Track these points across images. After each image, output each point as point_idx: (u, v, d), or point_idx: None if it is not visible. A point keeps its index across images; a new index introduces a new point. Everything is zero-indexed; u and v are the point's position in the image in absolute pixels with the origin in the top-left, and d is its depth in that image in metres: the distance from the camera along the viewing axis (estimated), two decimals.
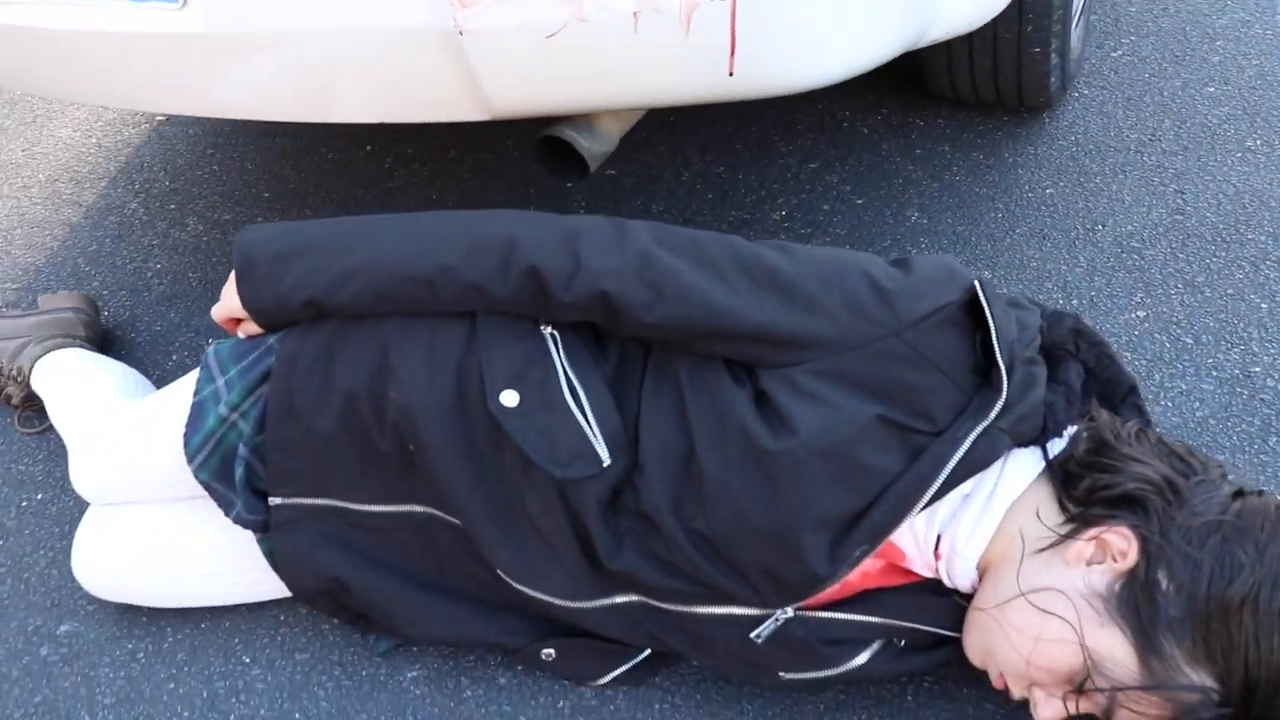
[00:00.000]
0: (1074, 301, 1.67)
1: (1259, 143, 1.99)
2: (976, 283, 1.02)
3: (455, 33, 1.22)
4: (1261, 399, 1.48)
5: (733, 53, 1.22)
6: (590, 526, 1.05)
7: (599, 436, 1.05)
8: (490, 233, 1.10)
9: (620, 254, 1.06)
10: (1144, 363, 1.55)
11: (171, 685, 1.26)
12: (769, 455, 0.98)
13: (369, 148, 2.29)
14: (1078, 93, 2.19)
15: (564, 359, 1.10)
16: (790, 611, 1.05)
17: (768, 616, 1.06)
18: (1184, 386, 1.51)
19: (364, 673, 1.25)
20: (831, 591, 1.06)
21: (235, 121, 2.46)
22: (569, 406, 1.07)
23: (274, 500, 1.19)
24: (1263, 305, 1.63)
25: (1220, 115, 2.08)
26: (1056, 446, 1.06)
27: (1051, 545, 1.00)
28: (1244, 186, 1.88)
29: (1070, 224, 1.84)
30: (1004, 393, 0.99)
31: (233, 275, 1.19)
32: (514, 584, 1.12)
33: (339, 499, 1.18)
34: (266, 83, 1.39)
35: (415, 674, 1.24)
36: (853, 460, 0.98)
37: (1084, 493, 1.01)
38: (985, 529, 1.03)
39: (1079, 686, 0.97)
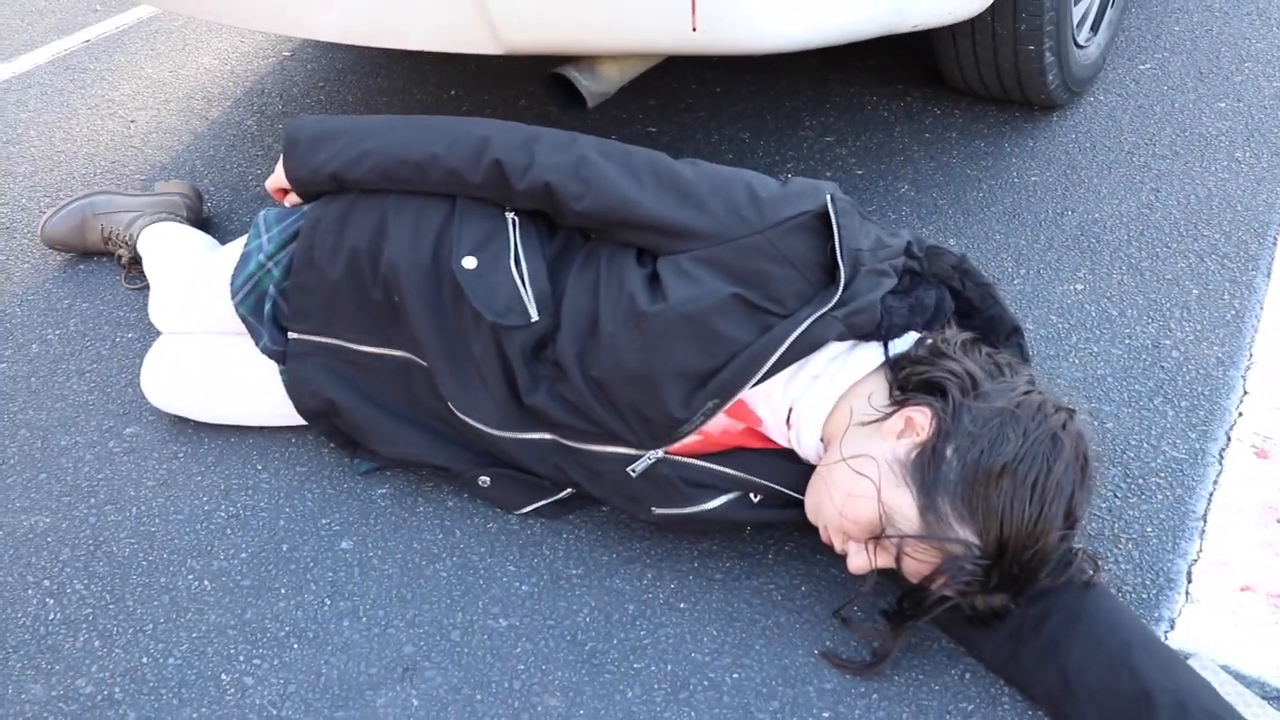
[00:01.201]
0: (1022, 270, 1.86)
1: (1247, 155, 2.12)
2: (829, 197, 1.25)
3: None
4: (1161, 366, 1.64)
5: (694, 10, 1.47)
6: (515, 368, 1.33)
7: (530, 297, 1.33)
8: (471, 132, 1.39)
9: (565, 155, 1.34)
10: (1067, 326, 1.73)
11: (199, 478, 1.58)
12: (645, 315, 1.23)
13: (452, 92, 2.61)
14: (1093, 98, 2.35)
15: (517, 238, 1.37)
16: (660, 453, 1.30)
17: (643, 456, 1.31)
18: (1095, 349, 1.68)
19: (345, 486, 1.55)
20: (698, 445, 1.31)
21: (347, 61, 2.82)
22: (511, 273, 1.34)
23: (292, 334, 1.49)
24: (1194, 291, 1.79)
25: (1220, 128, 2.21)
26: (900, 347, 1.28)
27: (873, 421, 1.22)
28: (1217, 191, 2.02)
29: (1043, 207, 2.01)
30: (840, 287, 1.21)
31: (281, 157, 1.51)
32: (458, 413, 1.40)
33: (339, 338, 1.48)
34: (338, 13, 1.71)
35: (384, 491, 1.54)
36: (709, 327, 1.22)
37: (904, 380, 1.23)
38: (824, 404, 1.26)
39: (877, 537, 1.19)
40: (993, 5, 1.95)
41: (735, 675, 1.26)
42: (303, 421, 1.57)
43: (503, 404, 1.36)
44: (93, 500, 1.55)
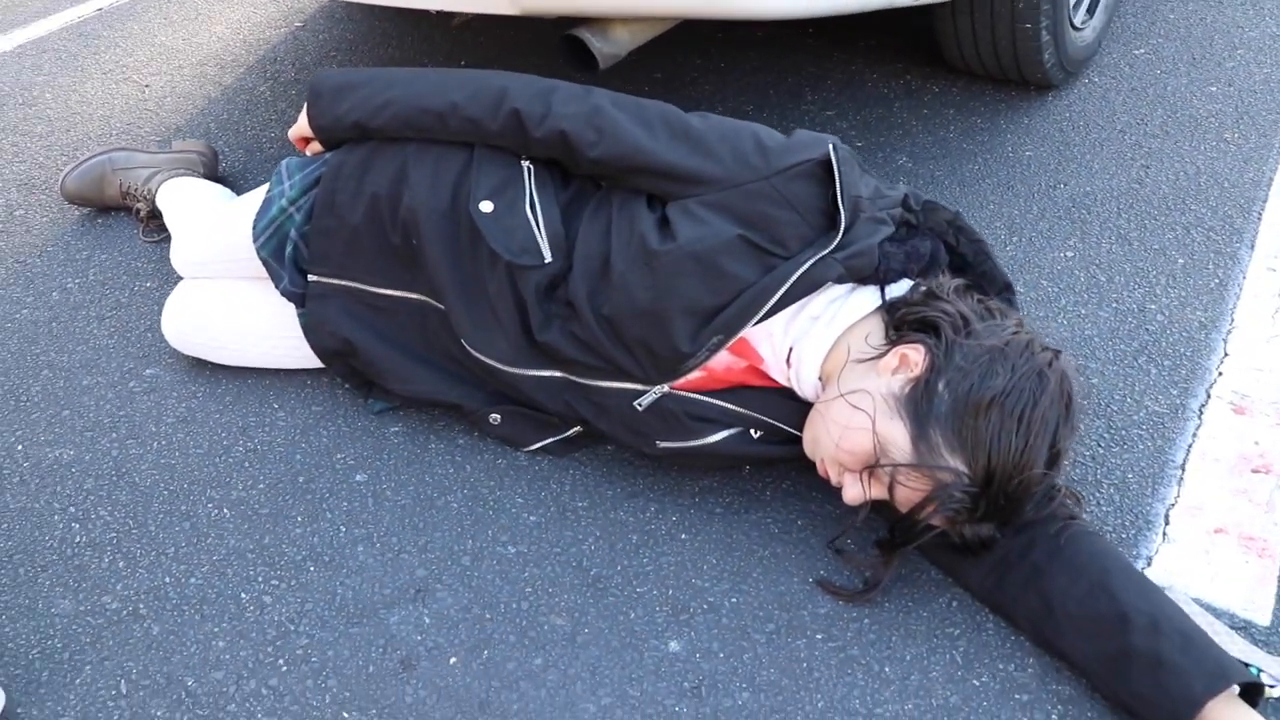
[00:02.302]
0: (1015, 238, 1.92)
1: (1236, 135, 2.19)
2: (831, 146, 1.31)
3: None
4: (1147, 329, 1.71)
5: None
6: (529, 306, 1.39)
7: (545, 239, 1.39)
8: (491, 82, 1.45)
9: (580, 105, 1.39)
10: (1056, 290, 1.80)
11: (217, 415, 1.64)
12: (655, 254, 1.29)
13: (463, 62, 2.67)
14: (1088, 79, 2.42)
15: (532, 184, 1.43)
16: (666, 388, 1.36)
17: (649, 390, 1.37)
18: (1083, 312, 1.75)
19: (359, 424, 1.61)
20: (702, 381, 1.37)
21: (359, 32, 2.88)
22: (527, 215, 1.40)
23: (311, 277, 1.55)
24: (1179, 260, 1.85)
25: (1211, 110, 2.28)
26: (896, 292, 1.34)
27: (869, 359, 1.29)
28: (1205, 168, 2.09)
29: (1036, 180, 2.08)
30: (840, 231, 1.28)
31: (304, 107, 1.56)
32: (472, 351, 1.46)
33: (358, 281, 1.54)
34: None
35: (397, 429, 1.60)
36: (716, 266, 1.28)
37: (899, 320, 1.29)
38: (823, 343, 1.32)
39: (872, 467, 1.25)
40: None
41: (734, 600, 1.32)
42: (318, 364, 1.63)
43: (515, 341, 1.42)
44: (114, 435, 1.61)
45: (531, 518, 1.44)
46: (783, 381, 1.38)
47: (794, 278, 1.28)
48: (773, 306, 1.29)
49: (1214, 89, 2.36)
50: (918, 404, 1.22)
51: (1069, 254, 1.88)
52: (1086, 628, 1.18)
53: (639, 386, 1.38)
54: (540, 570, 1.37)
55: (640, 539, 1.40)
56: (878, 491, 1.26)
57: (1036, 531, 1.26)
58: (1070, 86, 2.39)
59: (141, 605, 1.35)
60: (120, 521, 1.46)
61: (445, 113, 1.45)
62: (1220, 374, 1.62)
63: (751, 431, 1.38)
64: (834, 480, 1.31)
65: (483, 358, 1.45)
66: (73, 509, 1.49)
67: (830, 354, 1.33)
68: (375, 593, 1.35)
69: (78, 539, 1.44)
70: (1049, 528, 1.26)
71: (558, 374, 1.43)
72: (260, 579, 1.38)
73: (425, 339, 1.54)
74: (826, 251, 1.28)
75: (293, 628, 1.31)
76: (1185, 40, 2.57)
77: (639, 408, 1.38)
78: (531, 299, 1.38)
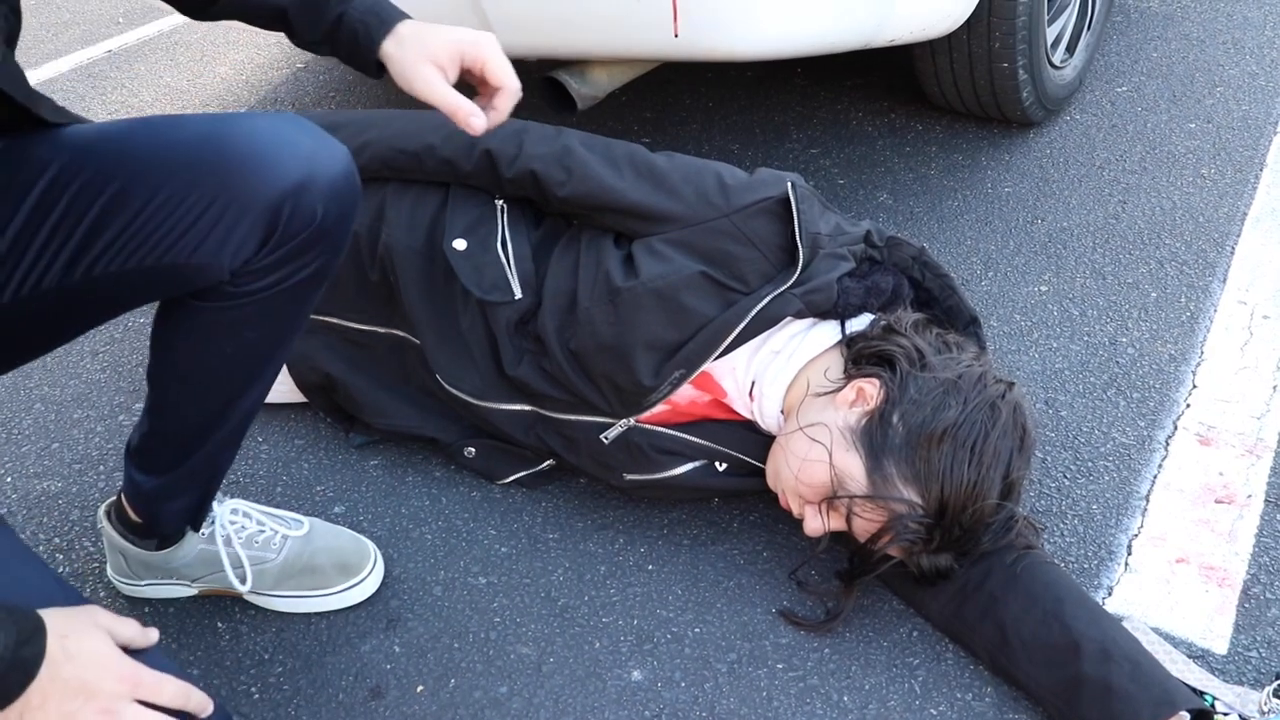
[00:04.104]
0: (990, 273, 1.95)
1: (1212, 171, 2.22)
2: (790, 184, 1.35)
3: None
4: (1117, 362, 1.73)
5: (675, 17, 1.58)
6: (500, 341, 1.42)
7: (515, 276, 1.43)
8: (458, 134, 1.49)
9: (550, 146, 1.44)
10: (1029, 323, 1.82)
11: None
12: (618, 290, 1.33)
13: None
14: (1070, 116, 2.46)
15: (505, 223, 1.47)
16: (632, 421, 1.39)
17: (615, 424, 1.40)
18: (1055, 345, 1.77)
19: (339, 457, 1.64)
20: (667, 415, 1.40)
21: (356, 73, 2.95)
22: (498, 253, 1.44)
23: None
24: (1152, 294, 1.88)
25: (1189, 147, 2.31)
26: (856, 327, 1.37)
27: (828, 393, 1.32)
28: (1181, 203, 2.12)
29: (1014, 216, 2.11)
30: (799, 267, 1.31)
31: None
32: (446, 385, 1.49)
33: (339, 317, 1.57)
34: None
35: (376, 462, 1.63)
36: (677, 301, 1.32)
37: (857, 354, 1.32)
38: (785, 377, 1.35)
39: (830, 499, 1.28)
40: (967, 23, 2.05)
41: (697, 630, 1.34)
42: (301, 399, 1.67)
43: (487, 376, 1.45)
44: (102, 468, 1.65)
45: (503, 549, 1.47)
46: (746, 415, 1.41)
47: (753, 313, 1.31)
48: (733, 341, 1.32)
49: (1193, 126, 2.39)
50: (873, 436, 1.25)
51: (1043, 288, 1.91)
52: (1040, 655, 1.20)
53: (606, 420, 1.41)
54: (509, 600, 1.39)
55: (608, 570, 1.43)
56: (836, 523, 1.29)
57: (994, 561, 1.28)
58: (1052, 123, 2.43)
59: None
60: (103, 553, 1.50)
61: (421, 153, 1.49)
62: (1188, 406, 1.64)
63: (716, 464, 1.41)
64: (795, 512, 1.34)
65: (456, 392, 1.48)
66: (58, 539, 1.52)
67: (791, 387, 1.36)
68: (349, 622, 1.38)
69: (62, 569, 1.48)
70: (1005, 557, 1.28)
71: (528, 408, 1.46)
72: (237, 609, 1.40)
73: (403, 373, 1.57)
74: (785, 287, 1.31)
75: (267, 657, 1.34)
76: (1167, 78, 2.60)
77: (605, 440, 1.41)
78: (502, 334, 1.42)
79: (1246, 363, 1.71)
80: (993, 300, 1.88)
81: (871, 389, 1.27)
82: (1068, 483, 1.52)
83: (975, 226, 2.09)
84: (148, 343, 1.90)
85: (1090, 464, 1.54)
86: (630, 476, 1.42)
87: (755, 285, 1.33)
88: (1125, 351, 1.75)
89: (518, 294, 1.42)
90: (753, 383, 1.38)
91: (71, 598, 0.89)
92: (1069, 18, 2.39)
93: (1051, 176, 2.23)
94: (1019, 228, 2.08)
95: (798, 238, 1.32)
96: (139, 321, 1.99)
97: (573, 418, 1.43)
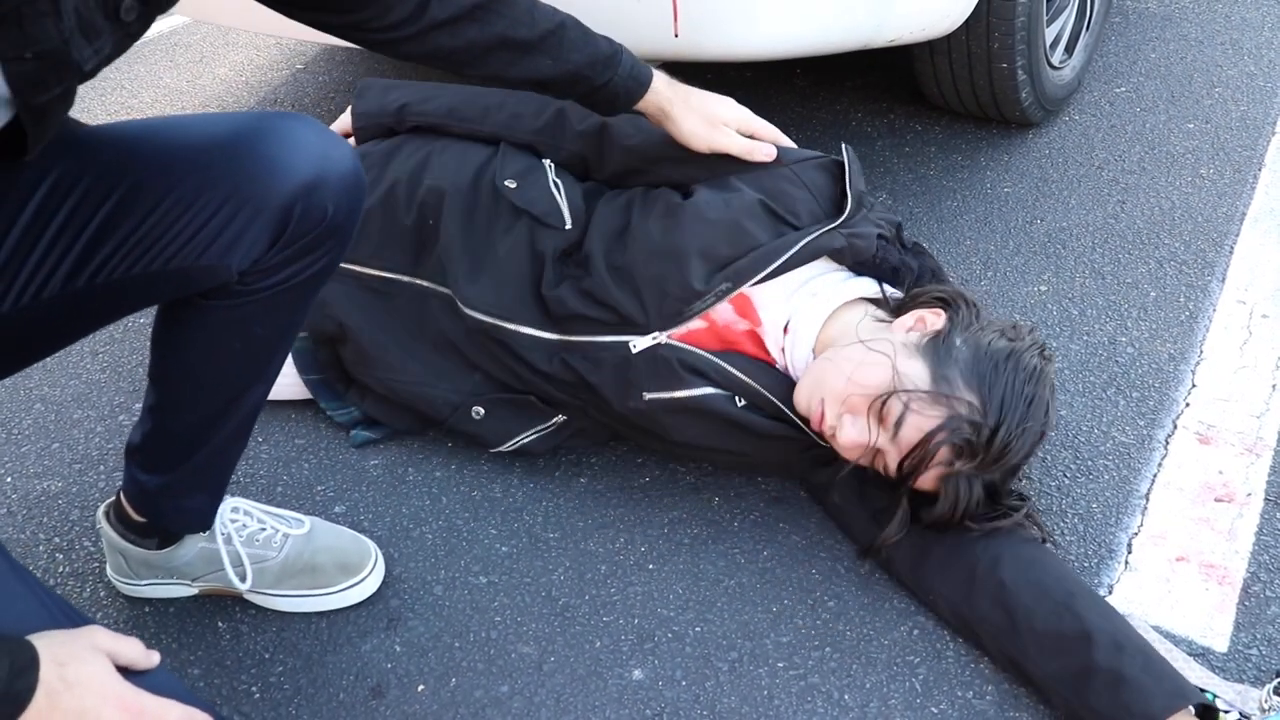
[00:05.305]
0: (989, 273, 1.96)
1: (1211, 171, 2.22)
2: (845, 149, 1.48)
3: None
4: (1116, 361, 1.73)
5: (675, 17, 1.58)
6: (545, 263, 1.46)
7: (566, 209, 1.49)
8: (535, 95, 1.55)
9: None
10: (1028, 323, 1.82)
11: None
12: (680, 205, 1.43)
13: None
14: (1069, 116, 2.46)
15: (553, 172, 1.54)
16: (663, 337, 1.41)
17: (647, 337, 1.41)
18: (1054, 345, 1.78)
19: (339, 458, 1.64)
20: (701, 335, 1.42)
21: (357, 74, 2.95)
22: (550, 189, 1.52)
23: None
24: (1151, 293, 1.88)
25: (1188, 147, 2.31)
26: (892, 292, 1.46)
27: (883, 320, 1.39)
28: (1180, 203, 2.12)
29: (1013, 216, 2.11)
30: (847, 210, 1.41)
31: (350, 106, 1.68)
32: (466, 309, 1.47)
33: (363, 265, 1.57)
34: None
35: (376, 462, 1.63)
36: (736, 222, 1.40)
37: (913, 297, 1.40)
38: (819, 316, 1.41)
39: (881, 404, 1.28)
40: (966, 24, 2.05)
41: (698, 629, 1.34)
42: (304, 395, 1.67)
43: (522, 297, 1.47)
44: (102, 468, 1.65)
45: (504, 548, 1.47)
46: (775, 353, 1.44)
47: (803, 243, 1.39)
48: (780, 265, 1.38)
49: (1191, 126, 2.40)
50: (937, 351, 1.30)
51: (1043, 288, 1.91)
52: (1050, 644, 1.20)
53: (635, 338, 1.42)
54: (510, 599, 1.39)
55: (609, 569, 1.43)
56: (879, 434, 1.29)
57: (1005, 550, 1.29)
58: (1051, 124, 2.43)
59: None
60: (103, 553, 1.50)
61: (491, 106, 1.59)
62: (1187, 405, 1.64)
63: (736, 399, 1.41)
64: (829, 423, 1.33)
65: (483, 317, 1.47)
66: (58, 539, 1.52)
67: (825, 326, 1.40)
68: (349, 623, 1.38)
69: (61, 569, 1.48)
70: (1016, 545, 1.29)
71: (555, 336, 1.46)
72: (238, 608, 1.40)
73: (420, 323, 1.56)
74: (834, 225, 1.40)
75: (267, 656, 1.34)
76: (1165, 78, 2.61)
77: (633, 350, 1.41)
78: (550, 258, 1.46)
79: (1246, 362, 1.71)
80: (992, 300, 1.88)
81: (934, 318, 1.34)
82: (1068, 481, 1.52)
83: (974, 227, 2.09)
84: (148, 342, 1.90)
85: (1090, 463, 1.55)
86: (650, 395, 1.41)
87: (806, 222, 1.43)
88: (1125, 351, 1.76)
89: (568, 223, 1.48)
90: (788, 320, 1.42)
91: (71, 618, 0.88)
92: (1068, 18, 2.39)
93: (1050, 177, 2.23)
94: (1018, 228, 2.08)
95: (848, 189, 1.42)
96: (139, 321, 1.99)
97: (601, 338, 1.43)
